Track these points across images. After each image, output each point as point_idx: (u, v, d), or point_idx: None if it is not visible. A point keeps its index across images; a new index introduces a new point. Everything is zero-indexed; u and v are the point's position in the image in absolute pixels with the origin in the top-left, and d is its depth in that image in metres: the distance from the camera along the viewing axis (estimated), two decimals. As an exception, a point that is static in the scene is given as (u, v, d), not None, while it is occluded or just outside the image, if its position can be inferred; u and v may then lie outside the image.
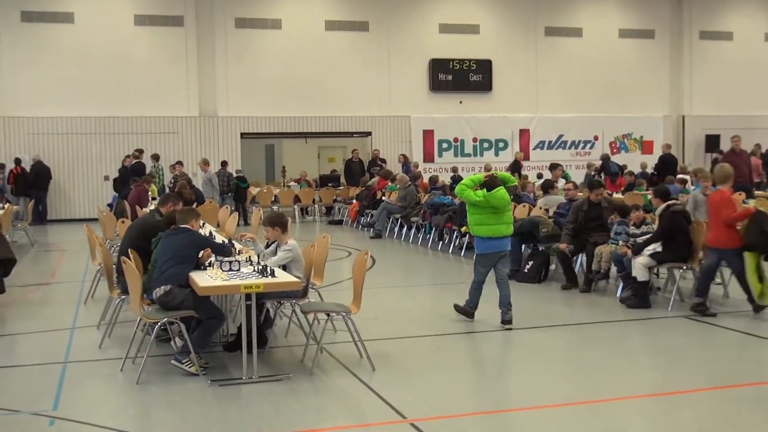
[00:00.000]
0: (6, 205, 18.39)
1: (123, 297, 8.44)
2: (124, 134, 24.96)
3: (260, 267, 7.35)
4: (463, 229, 15.15)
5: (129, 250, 8.10)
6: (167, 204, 9.18)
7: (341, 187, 25.33)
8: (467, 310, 9.63)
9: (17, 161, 23.62)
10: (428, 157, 28.00)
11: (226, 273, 7.29)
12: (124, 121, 24.95)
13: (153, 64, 25.05)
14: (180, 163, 22.04)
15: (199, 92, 25.46)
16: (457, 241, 16.00)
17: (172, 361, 7.37)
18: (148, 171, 22.03)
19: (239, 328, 8.01)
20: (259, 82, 25.88)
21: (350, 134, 27.92)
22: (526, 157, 28.01)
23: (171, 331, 7.97)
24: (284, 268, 7.88)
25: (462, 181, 9.36)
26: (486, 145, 28.60)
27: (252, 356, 7.08)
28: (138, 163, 22.52)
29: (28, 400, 6.77)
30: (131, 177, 20.15)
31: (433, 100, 27.90)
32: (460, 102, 28.22)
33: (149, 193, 17.64)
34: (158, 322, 7.29)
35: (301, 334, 8.62)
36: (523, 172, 23.53)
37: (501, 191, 9.13)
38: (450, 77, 27.96)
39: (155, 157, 22.84)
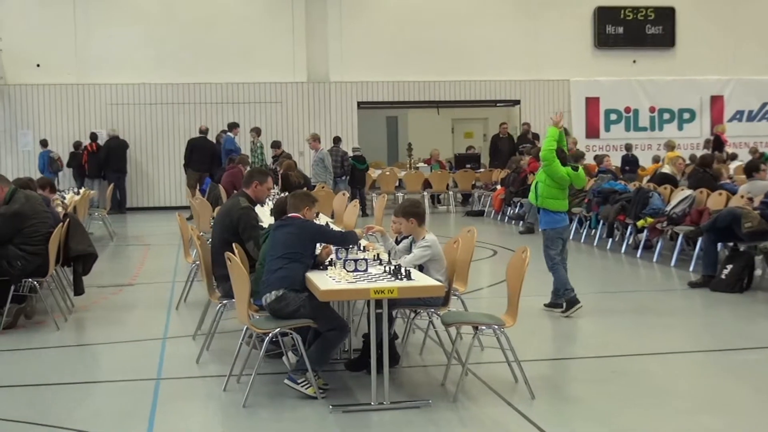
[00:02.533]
0: (82, 190, 19.19)
1: (225, 302, 8.67)
2: (217, 104, 25.65)
3: (393, 267, 7.42)
4: (640, 222, 14.94)
5: (234, 245, 8.31)
6: (252, 183, 9.31)
7: (482, 170, 25.29)
8: (572, 300, 10.39)
9: (93, 137, 24.60)
10: (592, 132, 27.69)
11: (351, 274, 7.39)
12: (216, 88, 25.64)
13: (252, 21, 25.63)
14: (277, 144, 22.43)
15: (308, 53, 25.91)
16: (632, 238, 15.76)
17: (285, 381, 7.53)
18: (242, 148, 22.55)
19: (365, 343, 8.16)
20: (379, 39, 26.12)
21: (493, 103, 27.87)
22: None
23: (283, 345, 8.15)
24: (420, 268, 7.94)
25: (546, 144, 10.64)
26: (667, 116, 28.06)
27: (383, 377, 7.16)
28: (201, 139, 23.08)
29: (119, 422, 7.06)
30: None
31: (599, 60, 27.54)
32: (634, 62, 27.76)
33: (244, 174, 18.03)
34: (269, 333, 7.46)
35: (440, 352, 8.67)
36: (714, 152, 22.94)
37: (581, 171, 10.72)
38: (621, 30, 27.56)
39: (256, 131, 23.34)
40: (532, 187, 11.01)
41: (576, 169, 10.88)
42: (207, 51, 25.33)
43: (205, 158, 23.76)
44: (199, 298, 11.19)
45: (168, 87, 25.53)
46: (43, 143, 24.52)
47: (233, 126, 23.32)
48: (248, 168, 18.37)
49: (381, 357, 7.19)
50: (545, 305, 10.93)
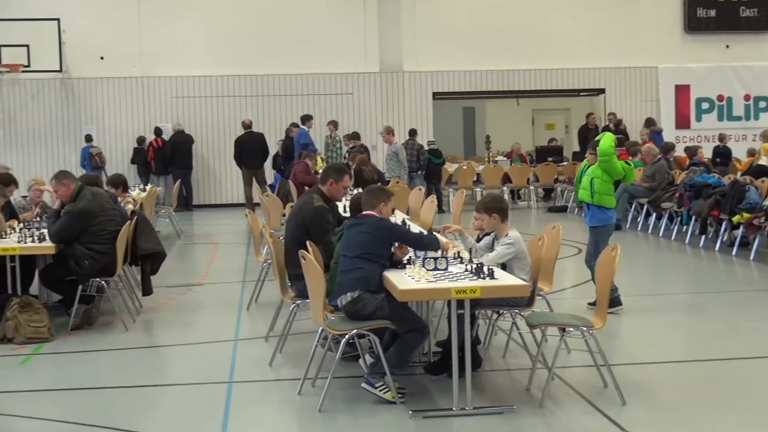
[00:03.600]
0: (148, 186, 19.48)
1: (298, 302, 8.76)
2: (287, 96, 25.84)
3: (474, 266, 7.44)
4: (735, 218, 14.75)
5: (308, 244, 8.40)
6: (328, 181, 9.34)
7: (565, 163, 25.14)
8: (616, 300, 10.59)
9: (157, 132, 24.94)
10: (682, 122, 27.36)
11: (431, 272, 7.42)
12: (285, 80, 25.83)
13: (321, 9, 25.76)
14: (356, 135, 22.55)
15: (380, 41, 25.97)
16: (726, 235, 15.57)
17: (363, 385, 7.59)
18: (321, 141, 22.68)
19: (444, 346, 8.19)
20: (456, 26, 26.09)
21: (576, 92, 27.69)
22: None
23: (360, 347, 8.22)
24: (503, 267, 7.96)
25: (608, 141, 11.07)
26: (763, 104, 27.62)
27: (464, 381, 7.19)
28: (246, 133, 23.23)
29: (191, 427, 7.20)
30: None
31: (689, 45, 27.21)
32: (727, 46, 27.36)
33: (313, 169, 18.15)
34: (345, 334, 7.52)
35: (524, 355, 8.67)
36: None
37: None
38: (713, 13, 27.19)
39: (333, 124, 23.45)
40: (584, 184, 11.11)
41: (628, 164, 11.40)
42: (275, 41, 25.50)
43: (258, 154, 24.07)
44: (271, 299, 11.30)
45: (234, 79, 25.76)
46: (87, 138, 24.90)
47: (307, 118, 23.42)
48: (314, 162, 18.54)
49: (463, 360, 7.22)
50: (590, 304, 10.81)
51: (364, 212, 7.98)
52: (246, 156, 23.86)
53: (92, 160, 24.44)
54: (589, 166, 11.27)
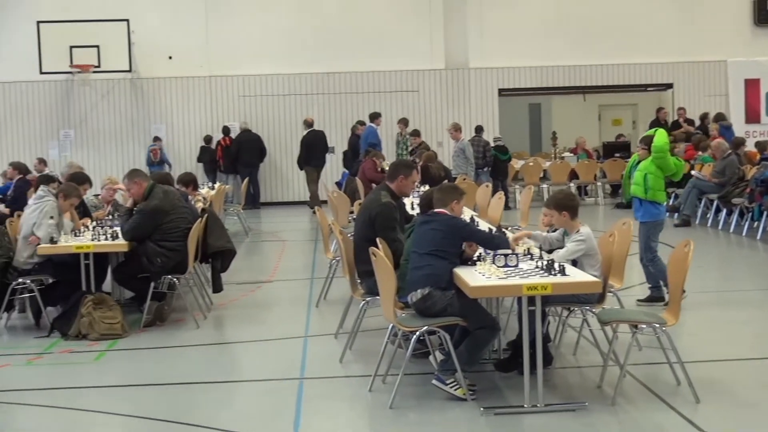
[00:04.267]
0: (217, 185, 19.65)
1: (368, 299, 8.79)
2: (353, 94, 25.89)
3: (546, 262, 7.41)
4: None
5: (379, 240, 8.42)
6: (397, 177, 9.36)
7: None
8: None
9: (225, 130, 25.14)
10: (752, 116, 26.96)
11: (502, 269, 7.40)
12: (351, 77, 25.88)
13: (386, 6, 25.77)
14: (417, 133, 22.52)
15: (446, 38, 25.91)
16: (799, 231, 15.36)
17: (434, 381, 7.60)
18: (388, 138, 22.65)
19: (515, 343, 8.17)
20: (521, 22, 25.95)
21: (643, 88, 27.40)
22: None
23: (430, 344, 8.22)
24: (573, 264, 7.91)
25: (663, 137, 10.94)
26: (837, 99, 27.14)
27: (536, 378, 7.17)
28: (310, 132, 23.29)
29: (264, 423, 7.26)
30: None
31: (760, 38, 26.79)
32: (798, 39, 26.93)
33: (378, 166, 18.20)
34: (415, 331, 7.53)
35: (595, 352, 8.62)
36: None
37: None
38: (784, 5, 26.75)
39: (403, 122, 23.45)
40: (638, 180, 11.00)
41: (679, 160, 11.65)
42: (340, 39, 25.55)
43: (322, 152, 24.18)
44: (340, 295, 11.36)
45: (300, 77, 25.86)
46: (155, 139, 25.14)
47: (375, 116, 23.44)
48: (381, 160, 18.58)
49: (534, 357, 7.20)
50: (640, 301, 10.87)
51: (435, 209, 7.98)
52: (312, 154, 23.99)
53: (149, 157, 24.73)
54: (639, 162, 11.19)
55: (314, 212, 22.96)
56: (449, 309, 7.50)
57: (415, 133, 22.42)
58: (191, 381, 8.58)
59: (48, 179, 12.97)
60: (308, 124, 24.15)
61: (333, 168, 25.36)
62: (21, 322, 10.94)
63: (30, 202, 10.98)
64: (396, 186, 9.28)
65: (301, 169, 24.11)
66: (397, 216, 9.12)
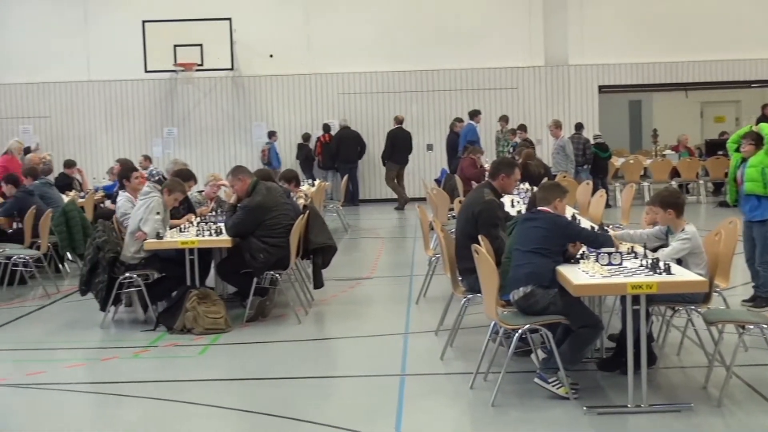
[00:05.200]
0: (317, 181, 19.79)
1: (468, 296, 8.77)
2: (451, 91, 25.86)
3: (650, 261, 7.31)
4: None
5: (481, 238, 8.39)
6: (499, 176, 9.31)
7: (735, 157, 24.42)
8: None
9: (325, 128, 25.30)
10: None
11: (606, 267, 7.32)
12: (449, 74, 25.86)
13: (487, 4, 25.67)
14: (523, 128, 22.41)
15: (545, 35, 25.73)
16: None
17: (536, 380, 7.56)
18: (487, 136, 22.56)
19: (618, 342, 8.08)
20: (623, 17, 25.63)
21: (747, 84, 26.84)
22: None
23: (532, 342, 8.18)
24: (678, 262, 7.78)
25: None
26: None
27: (639, 378, 7.08)
28: (398, 128, 23.12)
29: (366, 418, 7.28)
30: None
31: None
32: None
33: (479, 164, 18.13)
34: (518, 329, 7.49)
35: (700, 352, 8.47)
36: None
37: None
38: None
39: (504, 120, 23.36)
40: (753, 176, 10.55)
41: None
42: (440, 36, 25.53)
43: (408, 150, 24.39)
44: (440, 292, 11.38)
45: (399, 75, 25.92)
46: (270, 134, 25.40)
47: (475, 113, 23.39)
48: (479, 155, 18.50)
49: (638, 356, 7.11)
50: (744, 301, 10.64)
51: (538, 208, 7.94)
52: (396, 151, 24.14)
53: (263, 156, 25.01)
54: (743, 159, 10.81)
55: (398, 208, 23.31)
56: (552, 307, 7.45)
57: (522, 128, 22.28)
58: (293, 376, 8.66)
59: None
60: (398, 120, 24.45)
61: (432, 165, 25.40)
62: (128, 316, 11.15)
63: (138, 198, 11.16)
64: (498, 184, 9.27)
65: (384, 165, 24.39)
66: (500, 214, 9.09)
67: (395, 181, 24.26)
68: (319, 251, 11.35)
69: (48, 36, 25.61)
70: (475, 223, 8.94)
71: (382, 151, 24.56)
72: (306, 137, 25.55)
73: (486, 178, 9.82)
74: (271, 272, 10.59)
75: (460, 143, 22.33)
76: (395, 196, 24.31)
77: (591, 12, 25.65)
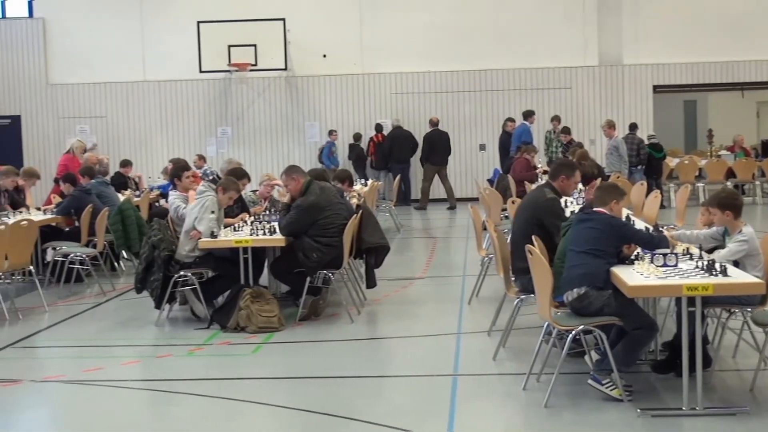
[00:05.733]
0: (369, 181, 19.82)
1: (522, 297, 8.74)
2: (504, 91, 25.78)
3: (706, 262, 7.23)
4: None
5: (534, 238, 8.36)
6: (559, 177, 9.26)
7: (794, 158, 24.14)
8: None
9: (378, 128, 25.31)
10: None
11: (661, 269, 7.26)
12: (502, 74, 25.77)
13: (540, 3, 25.54)
14: (567, 130, 22.24)
15: (599, 34, 25.56)
16: None
17: (589, 381, 7.51)
18: (539, 136, 22.48)
19: (672, 344, 8.01)
20: (677, 17, 25.36)
21: (805, 83, 26.52)
22: None
23: (585, 343, 8.13)
24: (735, 264, 7.69)
25: None
26: None
27: (694, 381, 7.01)
28: (434, 131, 23.08)
29: (418, 418, 7.27)
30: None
31: None
32: None
33: (532, 164, 18.07)
34: (571, 330, 7.45)
35: (755, 355, 8.32)
36: None
37: None
38: None
39: (557, 119, 23.25)
40: None
41: None
42: (492, 35, 25.43)
43: (445, 151, 24.53)
44: (492, 293, 11.36)
45: (452, 74, 25.86)
46: (330, 133, 25.45)
47: (529, 114, 23.27)
48: (533, 155, 18.43)
49: (693, 359, 7.05)
50: None
51: (594, 209, 7.89)
52: (434, 152, 24.21)
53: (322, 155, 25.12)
54: None
55: (417, 208, 23.37)
56: (606, 309, 7.40)
57: (565, 130, 22.17)
58: (345, 375, 8.69)
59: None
60: (433, 123, 24.63)
61: (484, 165, 25.35)
62: (182, 314, 11.23)
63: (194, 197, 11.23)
64: (558, 185, 9.23)
65: (422, 166, 24.59)
66: (561, 213, 9.09)
67: (430, 182, 24.32)
68: (372, 251, 11.34)
69: (105, 37, 25.86)
70: (537, 223, 8.88)
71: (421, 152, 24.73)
72: (357, 137, 25.57)
73: (544, 179, 9.78)
74: (324, 271, 10.60)
75: (512, 143, 22.25)
76: (446, 196, 24.28)
77: (646, 11, 25.43)
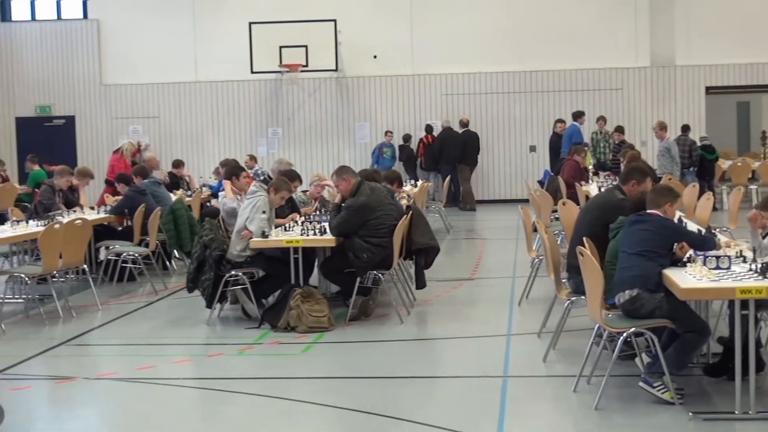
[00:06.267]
0: (419, 182, 19.82)
1: (572, 299, 8.70)
2: (554, 92, 25.67)
3: (760, 265, 7.16)
4: None
5: (584, 239, 8.31)
6: (629, 182, 9.18)
7: None
8: None
9: (428, 129, 25.32)
10: None
11: (713, 271, 7.20)
12: (552, 75, 25.66)
13: (591, 3, 25.41)
14: (620, 129, 22.08)
15: (651, 34, 25.37)
16: None
17: (640, 384, 7.47)
18: (589, 137, 22.38)
19: (724, 347, 7.93)
20: (731, 16, 25.09)
21: None
22: None
23: (637, 345, 8.07)
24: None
25: None
26: None
27: (747, 384, 6.95)
28: (465, 132, 22.94)
29: (468, 419, 7.27)
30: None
31: None
32: None
33: (582, 166, 17.97)
34: (623, 332, 7.41)
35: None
36: None
37: None
38: None
39: (603, 120, 23.11)
40: None
41: None
42: (543, 36, 25.30)
43: (474, 151, 24.68)
44: (542, 294, 11.32)
45: (502, 75, 25.79)
46: (386, 134, 25.48)
47: (579, 115, 23.11)
48: (583, 155, 18.32)
49: (746, 362, 6.99)
50: None
51: (648, 210, 7.83)
52: (467, 153, 24.33)
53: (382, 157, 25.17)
54: None
55: (465, 208, 23.37)
56: (658, 311, 7.35)
57: (619, 129, 22.02)
58: (395, 375, 8.71)
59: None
60: (463, 124, 24.80)
61: (534, 166, 25.27)
62: (233, 313, 11.29)
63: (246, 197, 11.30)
64: (628, 189, 9.05)
65: (455, 168, 24.58)
66: None
67: (469, 182, 24.40)
68: (422, 252, 11.33)
69: (158, 38, 26.07)
70: (601, 225, 8.74)
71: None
72: (407, 138, 25.58)
73: (593, 180, 9.70)
74: (374, 272, 10.61)
75: (562, 144, 22.14)
76: (499, 197, 24.27)
77: (699, 11, 25.19)
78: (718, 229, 9.63)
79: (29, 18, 27.61)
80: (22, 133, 26.96)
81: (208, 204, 17.45)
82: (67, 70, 26.86)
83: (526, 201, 19.28)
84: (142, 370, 8.96)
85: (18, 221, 12.54)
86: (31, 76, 26.96)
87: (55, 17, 27.56)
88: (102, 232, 14.03)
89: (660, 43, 25.41)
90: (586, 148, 20.06)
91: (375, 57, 25.92)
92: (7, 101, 27.09)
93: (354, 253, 10.46)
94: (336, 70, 25.41)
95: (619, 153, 19.01)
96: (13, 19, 27.69)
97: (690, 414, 7.03)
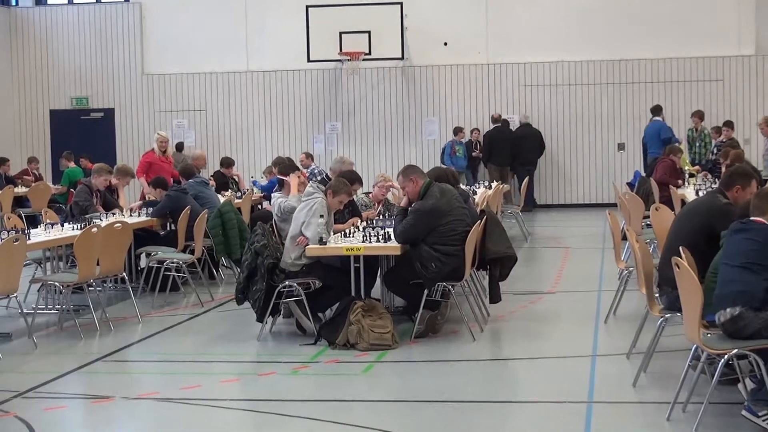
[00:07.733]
0: (494, 184, 19.78)
1: (666, 316, 8.61)
2: (645, 83, 25.53)
3: None
4: None
5: (682, 249, 8.22)
6: (733, 187, 9.04)
7: None
8: None
9: (495, 121, 25.28)
10: None
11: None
12: (644, 65, 25.53)
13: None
14: (730, 124, 21.86)
15: (757, 20, 25.11)
16: None
17: (743, 412, 7.36)
18: (670, 134, 22.20)
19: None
20: None
21: None
22: None
23: (740, 369, 7.97)
24: None
25: None
26: None
27: None
28: (495, 128, 22.78)
29: (548, 449, 7.25)
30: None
31: None
32: None
33: (679, 167, 17.82)
34: (723, 354, 7.32)
35: None
36: None
37: None
38: None
39: (699, 116, 22.90)
40: None
41: None
42: (634, 21, 25.16)
43: (506, 151, 24.72)
44: (631, 310, 11.26)
45: (589, 65, 25.69)
46: (456, 131, 25.39)
47: (659, 110, 22.91)
48: (677, 157, 18.14)
49: None
50: None
51: (752, 218, 7.71)
52: (495, 151, 24.51)
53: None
54: None
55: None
56: (764, 332, 7.22)
57: (728, 124, 21.78)
58: (466, 399, 8.65)
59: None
60: (494, 119, 24.89)
61: (623, 166, 25.11)
62: (286, 328, 11.34)
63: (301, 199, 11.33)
64: (731, 195, 8.93)
65: (485, 166, 24.81)
66: None
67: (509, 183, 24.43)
68: (497, 261, 11.26)
69: (206, 23, 26.34)
70: (706, 233, 8.64)
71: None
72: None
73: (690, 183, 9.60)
74: (444, 284, 10.55)
75: (648, 143, 22.00)
76: (584, 201, 24.14)
77: (811, -7, 24.92)
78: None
79: (65, 1, 27.95)
80: (56, 128, 27.35)
81: (259, 207, 17.55)
82: (106, 58, 27.20)
83: (614, 205, 19.16)
84: (186, 390, 9.02)
85: (52, 224, 12.68)
86: (67, 65, 27.34)
87: (94, 0, 27.89)
88: (143, 237, 14.13)
89: (766, 28, 25.14)
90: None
91: (445, 44, 25.94)
92: (41, 92, 27.49)
93: (421, 263, 10.42)
94: (402, 58, 25.44)
95: (719, 152, 18.83)
96: (48, 2, 28.04)
97: (799, 448, 6.96)
